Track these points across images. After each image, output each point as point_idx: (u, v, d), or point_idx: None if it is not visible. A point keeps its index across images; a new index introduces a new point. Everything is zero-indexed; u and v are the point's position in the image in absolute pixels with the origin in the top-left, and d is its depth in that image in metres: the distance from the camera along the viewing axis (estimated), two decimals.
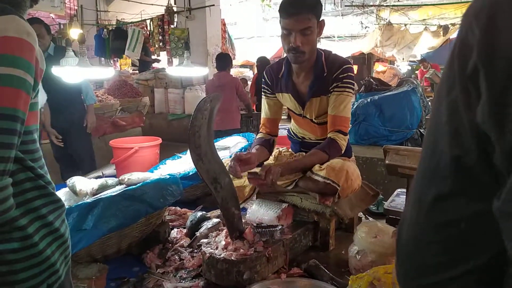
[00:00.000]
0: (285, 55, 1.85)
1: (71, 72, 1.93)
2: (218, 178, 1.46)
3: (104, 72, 2.40)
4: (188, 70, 3.12)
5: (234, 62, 8.40)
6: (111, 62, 7.48)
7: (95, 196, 1.56)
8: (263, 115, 1.99)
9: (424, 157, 0.51)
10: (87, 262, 1.52)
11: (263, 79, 1.96)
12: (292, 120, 2.05)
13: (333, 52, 1.85)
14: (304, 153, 1.91)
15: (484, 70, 0.38)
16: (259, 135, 1.98)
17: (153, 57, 7.53)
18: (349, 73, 1.74)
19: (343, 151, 1.77)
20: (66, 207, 1.43)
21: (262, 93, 1.97)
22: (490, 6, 0.39)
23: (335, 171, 1.64)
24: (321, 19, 1.72)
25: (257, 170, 1.63)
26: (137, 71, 7.60)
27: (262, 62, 5.78)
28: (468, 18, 0.42)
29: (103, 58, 7.21)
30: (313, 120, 1.85)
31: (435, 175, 0.47)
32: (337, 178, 1.63)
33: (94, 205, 1.42)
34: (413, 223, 0.51)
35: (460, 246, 0.46)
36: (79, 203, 1.45)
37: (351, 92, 1.76)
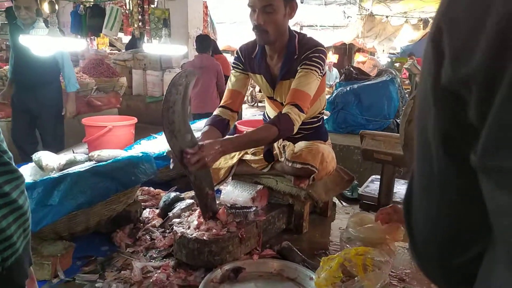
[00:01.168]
0: None
1: (40, 42, 1.82)
2: None
3: (75, 44, 2.29)
4: (166, 48, 3.02)
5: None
6: (88, 40, 7.23)
7: (62, 172, 1.50)
8: (228, 86, 1.90)
9: (417, 140, 0.49)
10: (52, 239, 1.46)
11: (235, 55, 1.91)
12: (266, 106, 2.02)
13: (308, 36, 1.80)
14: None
15: (446, 28, 0.37)
16: (216, 112, 1.85)
17: (130, 36, 7.30)
18: (320, 54, 1.68)
19: (295, 129, 1.63)
20: (31, 181, 1.37)
21: (232, 68, 1.91)
22: None
23: (311, 154, 1.63)
24: (294, 0, 1.67)
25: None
26: (115, 51, 7.39)
27: None
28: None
29: (79, 36, 6.96)
30: (283, 103, 1.81)
31: (427, 158, 0.45)
32: (314, 161, 1.62)
33: (61, 180, 1.36)
34: (419, 208, 0.49)
35: (462, 231, 0.45)
36: (44, 177, 1.39)
37: (317, 72, 1.67)
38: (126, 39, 8.25)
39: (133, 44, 7.01)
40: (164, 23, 3.67)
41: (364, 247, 1.38)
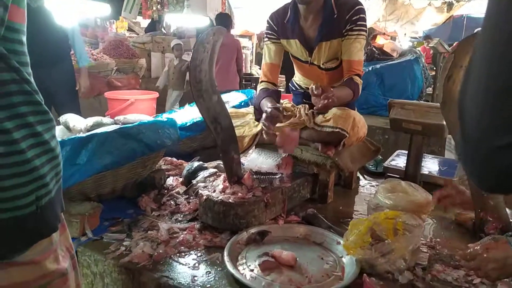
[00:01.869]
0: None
1: (64, 6, 1.81)
2: (218, 118, 1.41)
3: (98, 8, 2.26)
4: (188, 18, 2.97)
5: (233, 32, 8.22)
6: (107, 23, 7.28)
7: (89, 132, 1.50)
8: (264, 61, 1.90)
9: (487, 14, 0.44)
10: (80, 200, 1.47)
11: (267, 25, 1.88)
12: (296, 71, 1.98)
13: None
14: (306, 105, 1.85)
15: None
16: (262, 86, 1.89)
17: (149, 20, 7.30)
18: (362, 15, 1.67)
19: (359, 94, 1.73)
20: (59, 140, 1.37)
21: (265, 39, 1.89)
22: None
23: (343, 118, 1.60)
24: None
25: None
26: (134, 35, 7.40)
27: None
28: None
29: (98, 19, 7.00)
30: (321, 66, 1.78)
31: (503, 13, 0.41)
32: (345, 125, 1.59)
33: (89, 140, 1.37)
34: (483, 75, 0.44)
35: None
36: (72, 137, 1.39)
37: (365, 35, 1.71)
38: (144, 23, 8.27)
39: (152, 28, 7.02)
40: None
41: (394, 211, 1.35)
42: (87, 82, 3.34)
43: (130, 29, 8.90)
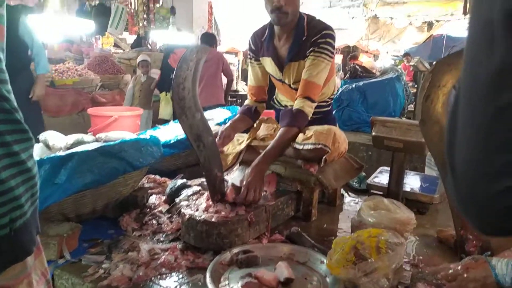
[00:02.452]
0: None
1: (48, 21, 1.80)
2: (201, 136, 1.40)
3: (83, 25, 2.25)
4: (173, 35, 2.99)
5: (219, 48, 8.30)
6: (93, 39, 7.26)
7: (69, 150, 1.48)
8: (249, 82, 1.97)
9: (470, 34, 0.42)
10: (59, 221, 1.44)
11: (248, 45, 1.92)
12: (277, 89, 2.02)
13: (317, 18, 1.81)
14: None
15: None
16: (245, 102, 1.95)
17: (135, 36, 7.32)
18: (328, 39, 1.70)
19: (309, 118, 1.72)
20: (38, 159, 1.35)
21: (248, 60, 1.94)
22: None
23: (324, 134, 1.62)
24: None
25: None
26: (120, 50, 7.40)
27: None
28: None
29: (84, 35, 6.99)
30: (291, 85, 1.82)
31: (484, 50, 0.39)
32: (326, 141, 1.60)
33: (68, 158, 1.34)
34: (471, 119, 0.42)
35: None
36: (51, 155, 1.37)
37: (327, 58, 1.71)
38: (130, 39, 8.28)
39: (138, 43, 7.03)
40: (171, 11, 3.68)
41: (377, 229, 1.35)
42: (42, 91, 3.26)
43: (116, 45, 8.89)
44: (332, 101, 1.93)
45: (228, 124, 1.80)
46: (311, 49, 1.70)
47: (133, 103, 4.66)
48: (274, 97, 2.05)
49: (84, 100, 4.59)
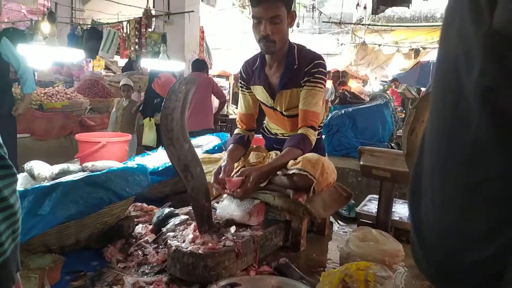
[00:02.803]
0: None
1: (38, 51, 1.81)
2: (189, 166, 1.40)
3: (73, 54, 2.27)
4: (164, 63, 3.02)
5: (211, 72, 8.37)
6: (84, 62, 7.28)
7: (54, 180, 1.45)
8: (239, 110, 1.99)
9: (435, 112, 0.42)
10: (41, 252, 1.40)
11: (239, 74, 1.95)
12: (267, 116, 2.03)
13: (306, 47, 1.85)
14: (278, 151, 1.88)
15: None
16: (236, 131, 1.96)
17: (126, 59, 7.36)
18: (321, 68, 1.74)
19: (312, 147, 1.77)
20: (22, 189, 1.32)
21: (239, 88, 1.96)
22: None
23: (311, 163, 1.62)
24: (293, 10, 1.75)
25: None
26: (110, 74, 7.42)
27: None
28: None
29: (75, 60, 7.00)
30: (283, 112, 1.84)
31: (456, 125, 0.39)
32: (313, 170, 1.60)
33: (53, 189, 1.32)
34: (438, 194, 0.41)
35: (500, 210, 0.37)
36: (35, 186, 1.34)
37: (322, 88, 1.76)
38: (122, 62, 8.33)
39: (129, 67, 7.06)
40: (163, 39, 3.73)
41: (365, 262, 1.34)
42: (25, 110, 3.31)
43: (107, 67, 8.93)
44: (322, 129, 1.95)
45: (227, 158, 1.80)
46: (305, 79, 1.74)
47: (115, 128, 4.56)
48: (264, 125, 2.07)
49: (72, 124, 4.56)
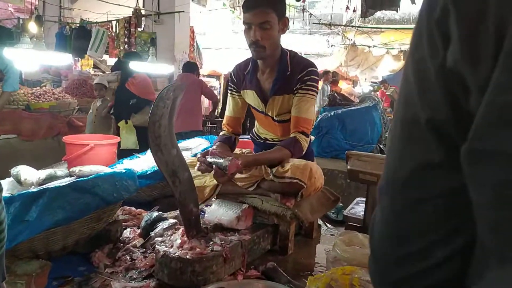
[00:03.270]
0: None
1: (25, 55, 1.79)
2: (177, 172, 1.40)
3: (60, 58, 2.25)
4: (153, 67, 3.01)
5: (201, 71, 8.35)
6: (72, 61, 7.19)
7: (41, 186, 1.44)
8: (227, 113, 1.99)
9: (394, 133, 0.46)
10: (28, 258, 1.39)
11: (229, 77, 1.95)
12: (255, 121, 2.04)
13: (298, 54, 1.86)
14: None
15: (454, 8, 0.35)
16: (221, 133, 1.96)
17: (115, 59, 7.29)
18: (313, 76, 1.76)
19: (304, 152, 1.77)
20: (8, 195, 1.31)
21: (228, 91, 1.97)
22: None
23: (300, 169, 1.63)
24: (286, 16, 1.76)
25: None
26: (99, 73, 7.35)
27: None
28: None
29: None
30: (274, 118, 1.85)
31: (408, 146, 0.42)
32: (302, 176, 1.62)
33: (40, 195, 1.31)
34: (386, 208, 0.45)
35: (439, 226, 0.40)
36: (22, 192, 1.33)
37: (314, 95, 1.77)
38: (111, 61, 8.25)
39: (119, 67, 7.00)
40: (151, 42, 3.71)
41: (351, 266, 1.36)
42: (0, 107, 3.34)
43: (96, 67, 8.85)
44: (310, 134, 1.97)
45: (216, 147, 1.81)
46: (298, 85, 1.75)
47: (92, 130, 4.26)
48: (253, 130, 2.07)
49: (60, 124, 4.51)
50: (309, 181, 1.65)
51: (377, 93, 8.81)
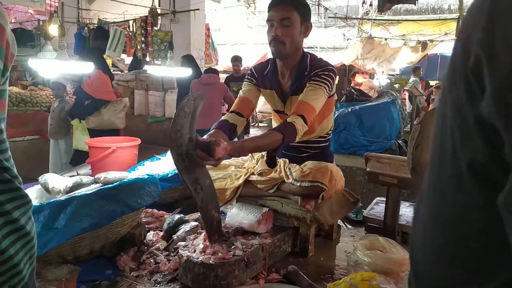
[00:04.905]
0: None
1: (49, 65, 1.85)
2: (198, 179, 1.43)
3: (83, 67, 2.31)
4: (171, 70, 3.06)
5: (217, 68, 8.41)
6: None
7: (68, 194, 1.49)
8: (239, 95, 1.93)
9: (433, 165, 0.47)
10: (57, 263, 1.44)
11: (249, 72, 1.96)
12: (273, 120, 2.05)
13: (320, 57, 1.86)
14: (285, 158, 1.90)
15: (487, 61, 0.36)
16: (224, 117, 1.85)
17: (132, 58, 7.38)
18: (329, 73, 1.73)
19: (299, 136, 1.64)
20: (37, 204, 1.36)
21: (245, 81, 1.94)
22: (491, 2, 0.38)
23: (321, 172, 1.64)
24: (309, 21, 1.76)
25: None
26: (118, 72, 7.46)
27: None
28: (470, 15, 0.42)
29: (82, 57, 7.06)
30: None
31: (450, 184, 0.44)
32: (323, 178, 1.63)
33: (67, 203, 1.36)
34: (429, 238, 0.48)
35: (482, 262, 0.42)
36: (51, 200, 1.38)
37: (326, 88, 1.71)
38: (128, 60, 8.37)
39: (136, 65, 7.10)
40: (169, 46, 3.76)
41: (370, 272, 1.37)
42: None
43: (114, 65, 8.99)
44: (330, 136, 1.96)
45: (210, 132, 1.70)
46: (312, 78, 1.72)
47: (49, 132, 4.16)
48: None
49: None
50: (329, 184, 1.66)
51: (396, 85, 8.62)
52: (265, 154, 2.00)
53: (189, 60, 4.86)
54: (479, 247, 0.42)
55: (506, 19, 0.36)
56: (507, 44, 0.35)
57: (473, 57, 0.38)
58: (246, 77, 1.97)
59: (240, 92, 1.95)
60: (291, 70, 1.81)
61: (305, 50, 1.85)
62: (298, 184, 1.68)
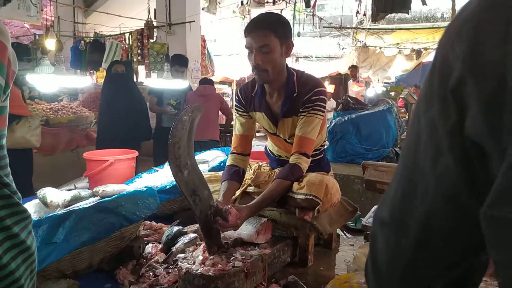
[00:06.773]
0: None
1: (46, 80, 1.86)
2: (197, 191, 1.43)
3: (80, 81, 2.32)
4: (168, 82, 3.08)
5: (213, 79, 8.45)
6: (87, 74, 7.35)
7: (67, 208, 1.49)
8: (235, 132, 1.94)
9: (403, 177, 0.50)
10: (56, 277, 1.44)
11: (236, 98, 1.94)
12: (268, 139, 2.04)
13: (306, 73, 1.83)
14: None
15: (473, 80, 0.37)
16: (229, 161, 1.89)
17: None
18: (321, 96, 1.73)
19: (304, 172, 1.73)
20: (36, 219, 1.36)
21: (235, 111, 1.94)
22: (472, 21, 0.39)
23: (316, 186, 1.64)
24: (290, 39, 1.72)
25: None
26: None
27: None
28: (449, 36, 0.42)
29: (79, 71, 7.08)
30: (287, 140, 1.84)
31: (418, 197, 0.46)
32: (318, 192, 1.63)
33: (66, 217, 1.36)
34: (393, 244, 0.50)
35: (440, 260, 0.46)
36: (49, 215, 1.38)
37: (320, 115, 1.74)
38: None
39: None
40: (166, 58, 3.79)
41: (346, 274, 1.37)
42: None
43: None
44: (324, 148, 1.96)
45: (222, 198, 1.73)
46: (305, 106, 1.72)
47: None
48: (266, 145, 2.08)
49: (78, 137, 4.62)
50: (325, 197, 1.65)
51: (392, 93, 8.68)
52: (262, 165, 2.00)
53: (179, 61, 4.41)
54: (439, 251, 0.46)
55: (489, 38, 0.36)
56: (492, 61, 0.35)
57: (455, 76, 0.38)
58: (235, 104, 1.96)
59: (236, 129, 1.94)
60: (278, 90, 1.79)
61: (297, 59, 1.85)
62: (295, 196, 1.68)
